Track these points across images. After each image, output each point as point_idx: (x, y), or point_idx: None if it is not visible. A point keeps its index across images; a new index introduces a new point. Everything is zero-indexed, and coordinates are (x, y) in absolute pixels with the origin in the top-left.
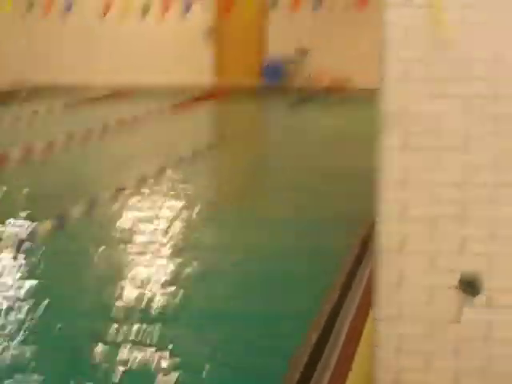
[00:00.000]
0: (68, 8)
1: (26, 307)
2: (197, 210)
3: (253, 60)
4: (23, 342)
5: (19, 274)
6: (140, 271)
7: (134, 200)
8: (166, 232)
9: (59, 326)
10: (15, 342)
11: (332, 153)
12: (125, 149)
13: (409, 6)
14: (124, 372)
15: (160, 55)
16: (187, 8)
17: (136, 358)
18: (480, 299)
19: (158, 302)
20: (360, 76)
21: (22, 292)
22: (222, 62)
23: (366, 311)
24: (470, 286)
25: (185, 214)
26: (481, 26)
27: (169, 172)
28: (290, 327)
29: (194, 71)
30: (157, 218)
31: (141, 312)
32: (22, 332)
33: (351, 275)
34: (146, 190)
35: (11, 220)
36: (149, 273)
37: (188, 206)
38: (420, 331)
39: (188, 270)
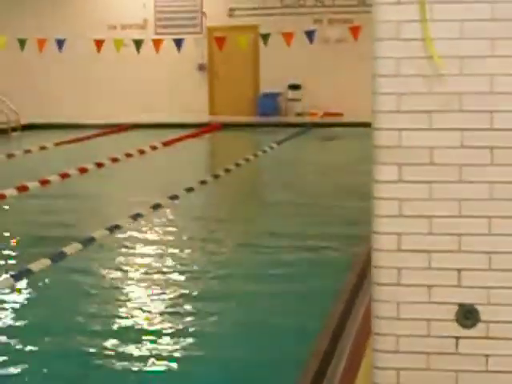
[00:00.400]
0: (60, 46)
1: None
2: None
3: (247, 95)
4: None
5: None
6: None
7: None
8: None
9: None
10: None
11: (314, 182)
12: (121, 183)
13: (399, 40)
14: None
15: (155, 92)
16: (179, 44)
17: None
18: (477, 330)
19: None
20: (354, 110)
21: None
22: (215, 99)
23: (365, 339)
24: (466, 317)
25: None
26: (473, 59)
27: (163, 208)
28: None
29: (188, 108)
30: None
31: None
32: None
33: (350, 302)
34: (141, 227)
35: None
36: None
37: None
38: (418, 364)
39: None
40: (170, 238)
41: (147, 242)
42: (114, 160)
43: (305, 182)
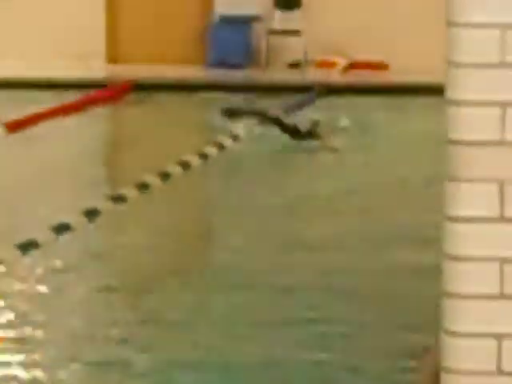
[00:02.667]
0: None
1: None
2: None
3: (185, 22)
4: None
5: None
6: None
7: None
8: None
9: None
10: None
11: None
12: None
13: None
14: None
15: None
16: None
17: None
18: None
19: None
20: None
21: None
22: (120, 28)
23: None
24: None
25: None
26: None
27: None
28: None
29: (63, 49)
30: None
31: None
32: None
33: None
34: None
35: None
36: None
37: None
38: None
39: None
40: None
41: None
42: None
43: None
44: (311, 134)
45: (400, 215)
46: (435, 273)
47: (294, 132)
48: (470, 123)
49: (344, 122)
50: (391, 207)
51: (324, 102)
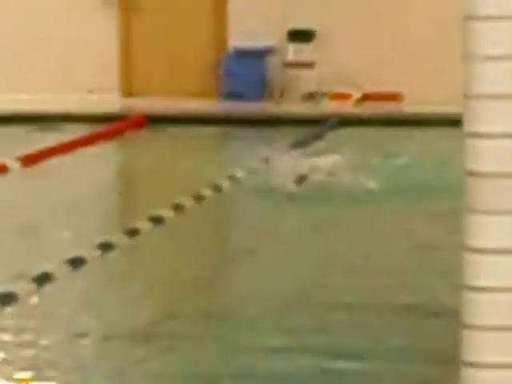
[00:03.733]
0: None
1: None
2: None
3: (199, 54)
4: None
5: None
6: None
7: None
8: None
9: None
10: None
11: None
12: None
13: None
14: None
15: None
16: None
17: None
18: None
19: None
20: (413, 90)
21: None
22: (134, 62)
23: None
24: None
25: None
26: None
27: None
28: None
29: (76, 82)
30: None
31: None
32: None
33: None
34: None
35: None
36: None
37: None
38: None
39: None
40: None
41: None
42: None
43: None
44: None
45: None
46: None
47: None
48: (488, 155)
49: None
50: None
51: (337, 134)
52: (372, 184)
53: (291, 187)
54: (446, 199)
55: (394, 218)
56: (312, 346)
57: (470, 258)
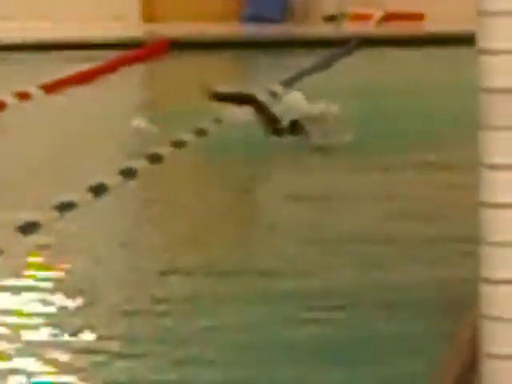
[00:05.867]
0: None
1: None
2: None
3: None
4: None
5: None
6: None
7: None
8: None
9: None
10: None
11: None
12: None
13: None
14: None
15: None
16: None
17: None
18: None
19: None
20: (434, 9)
21: None
22: None
23: None
24: None
25: None
26: None
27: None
28: None
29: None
30: None
31: None
32: None
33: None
34: None
35: None
36: None
37: None
38: None
39: None
40: None
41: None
42: None
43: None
44: (292, 130)
45: None
46: None
47: (273, 123)
48: (502, 71)
49: (331, 108)
50: None
51: (360, 55)
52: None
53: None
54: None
55: None
56: None
57: (486, 249)
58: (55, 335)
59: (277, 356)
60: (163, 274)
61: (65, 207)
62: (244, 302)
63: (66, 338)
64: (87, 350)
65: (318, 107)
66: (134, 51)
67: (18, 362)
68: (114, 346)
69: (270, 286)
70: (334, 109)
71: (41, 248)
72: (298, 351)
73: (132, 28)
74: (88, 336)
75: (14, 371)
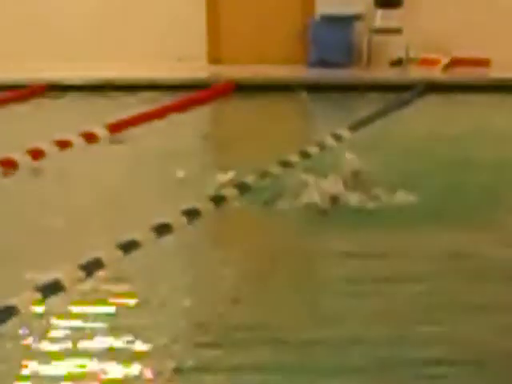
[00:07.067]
0: None
1: None
2: None
3: (286, 22)
4: None
5: None
6: None
7: None
8: None
9: None
10: None
11: None
12: None
13: None
14: None
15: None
16: None
17: None
18: None
19: None
20: (501, 56)
21: None
22: (222, 31)
23: None
24: None
25: None
26: None
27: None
28: None
29: (165, 52)
30: None
31: None
32: None
33: None
34: None
35: None
36: None
37: None
38: None
39: None
40: None
41: None
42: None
43: None
44: None
45: None
46: None
47: None
48: None
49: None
50: None
51: (426, 100)
52: None
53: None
54: None
55: None
56: None
57: None
58: None
59: None
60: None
61: (129, 246)
62: None
63: None
64: None
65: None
66: (199, 92)
67: None
68: None
69: None
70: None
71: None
72: None
73: (198, 69)
74: None
75: None
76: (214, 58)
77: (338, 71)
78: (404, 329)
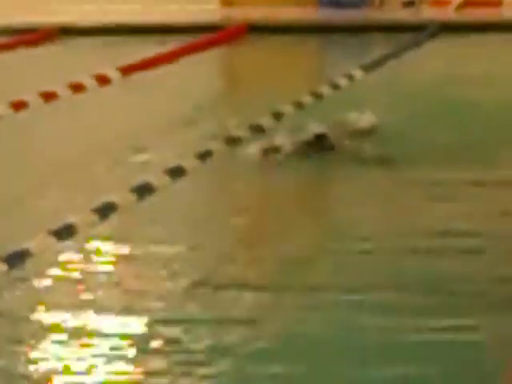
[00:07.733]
0: None
1: None
2: None
3: None
4: None
5: None
6: None
7: None
8: None
9: None
10: None
11: None
12: None
13: None
14: None
15: None
16: None
17: None
18: None
19: None
20: None
21: None
22: None
23: None
24: None
25: None
26: None
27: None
28: None
29: None
30: None
31: None
32: None
33: None
34: None
35: None
36: None
37: None
38: None
39: None
40: None
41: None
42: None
43: None
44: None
45: None
46: None
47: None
48: None
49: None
50: None
51: (439, 41)
52: None
53: None
54: None
55: None
56: None
57: None
58: None
59: None
60: None
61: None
62: None
63: None
64: None
65: (367, 120)
66: (211, 35)
67: None
68: None
69: None
70: (374, 119)
71: None
72: None
73: (210, 12)
74: None
75: None
76: (226, 1)
77: (349, 12)
78: None
